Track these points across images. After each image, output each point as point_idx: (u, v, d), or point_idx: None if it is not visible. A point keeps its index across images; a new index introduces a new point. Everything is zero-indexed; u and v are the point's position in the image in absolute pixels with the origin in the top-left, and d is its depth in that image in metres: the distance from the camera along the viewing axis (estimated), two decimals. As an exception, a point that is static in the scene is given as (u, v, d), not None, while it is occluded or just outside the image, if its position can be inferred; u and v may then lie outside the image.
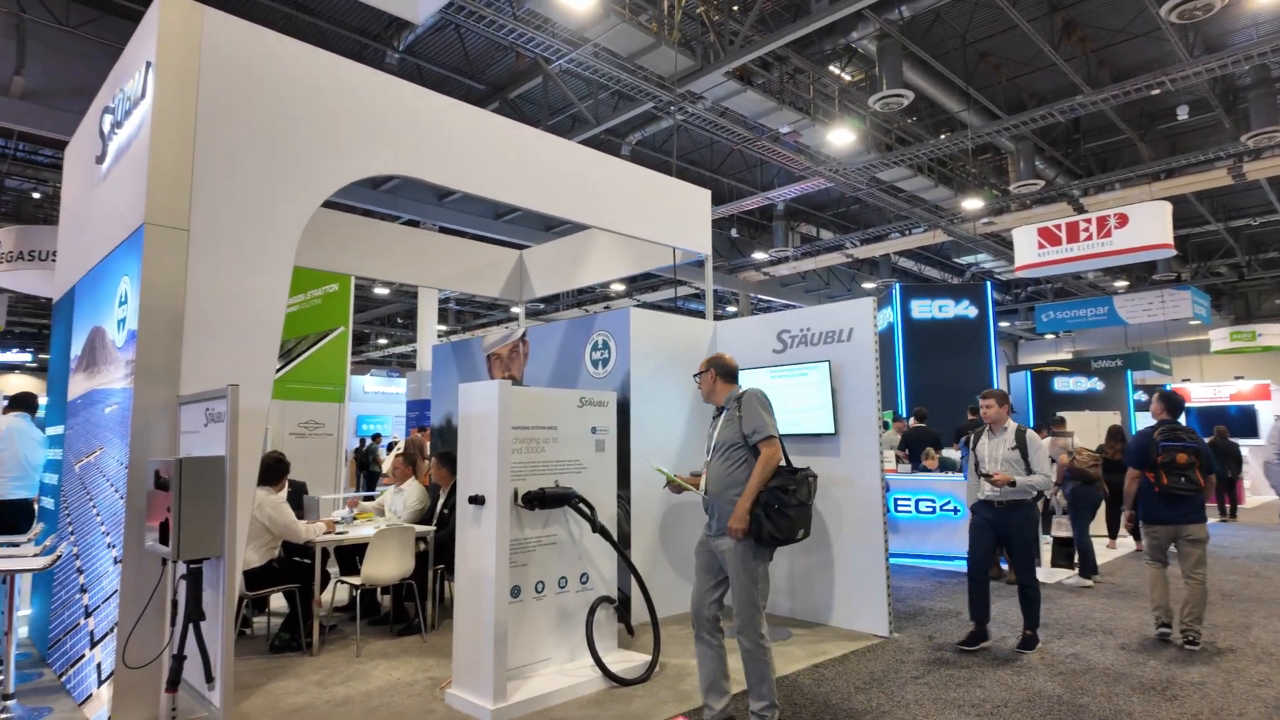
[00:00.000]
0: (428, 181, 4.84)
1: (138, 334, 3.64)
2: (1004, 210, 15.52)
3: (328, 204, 13.06)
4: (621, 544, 5.69)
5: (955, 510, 8.40)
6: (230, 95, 3.98)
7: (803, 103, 11.42)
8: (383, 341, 31.26)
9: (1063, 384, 12.93)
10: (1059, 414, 8.03)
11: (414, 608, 5.50)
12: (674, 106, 10.68)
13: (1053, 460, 6.92)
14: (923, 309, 12.36)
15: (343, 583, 5.37)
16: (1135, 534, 9.44)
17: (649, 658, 4.50)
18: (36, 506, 5.39)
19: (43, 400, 6.66)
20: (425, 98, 4.95)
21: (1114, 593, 6.91)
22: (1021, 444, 4.93)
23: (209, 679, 3.08)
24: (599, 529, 4.38)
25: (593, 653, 4.26)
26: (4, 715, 3.66)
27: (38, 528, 5.23)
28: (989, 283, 12.59)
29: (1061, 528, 8.04)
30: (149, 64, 3.82)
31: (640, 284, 21.89)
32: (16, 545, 4.84)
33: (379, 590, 5.81)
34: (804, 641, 5.26)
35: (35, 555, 4.19)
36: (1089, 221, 12.59)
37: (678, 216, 6.75)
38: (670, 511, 6.13)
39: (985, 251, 18.33)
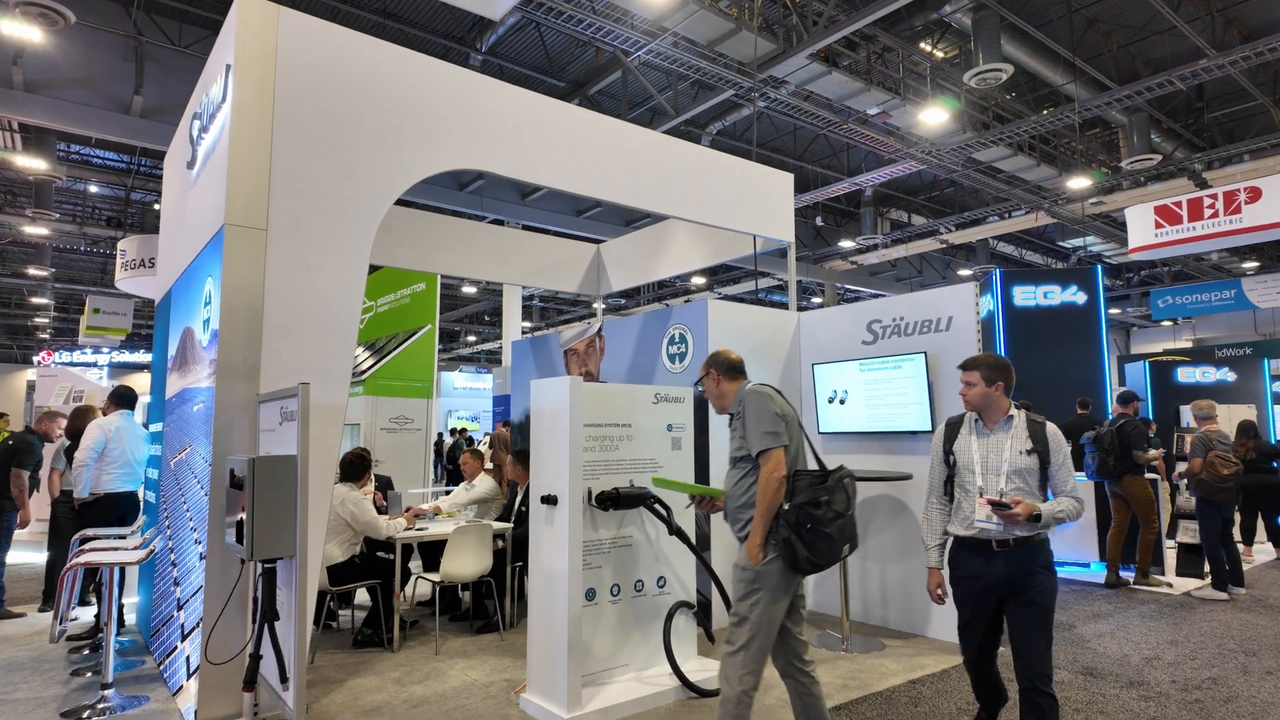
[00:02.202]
0: (500, 175, 4.76)
1: (219, 333, 3.70)
2: (1115, 189, 14.40)
3: (414, 205, 13.39)
4: (700, 546, 5.50)
5: (1065, 512, 7.78)
6: (306, 94, 4.00)
7: (892, 82, 10.88)
8: (471, 338, 32.05)
9: (1187, 374, 11.83)
10: (1202, 401, 7.15)
11: (493, 605, 5.47)
12: (755, 93, 10.36)
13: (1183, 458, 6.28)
14: (1026, 295, 11.55)
15: (423, 579, 5.39)
16: (1276, 540, 8.54)
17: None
18: (141, 500, 5.65)
19: (145, 398, 7.02)
20: (498, 90, 4.87)
21: (1254, 607, 6.21)
22: (1042, 444, 3.03)
23: (283, 679, 3.07)
24: (675, 530, 4.20)
25: (670, 660, 4.09)
26: (102, 704, 3.79)
27: (141, 520, 5.48)
28: (1099, 267, 11.65)
29: (1188, 533, 7.32)
30: (228, 67, 3.88)
31: (721, 277, 21.56)
32: (123, 538, 5.07)
33: (459, 587, 5.82)
34: (899, 654, 4.93)
35: (134, 549, 4.36)
36: (1214, 197, 11.46)
37: (758, 203, 6.47)
38: (753, 511, 5.87)
39: (1093, 234, 17.09)
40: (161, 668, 4.43)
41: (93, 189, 16.69)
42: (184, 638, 3.92)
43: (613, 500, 4.00)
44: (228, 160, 3.72)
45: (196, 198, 4.59)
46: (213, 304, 3.85)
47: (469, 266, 8.18)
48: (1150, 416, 11.40)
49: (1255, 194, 11.06)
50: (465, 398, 23.44)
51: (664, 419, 4.44)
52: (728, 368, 3.39)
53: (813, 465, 3.14)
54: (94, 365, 24.08)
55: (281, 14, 3.92)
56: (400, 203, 12.53)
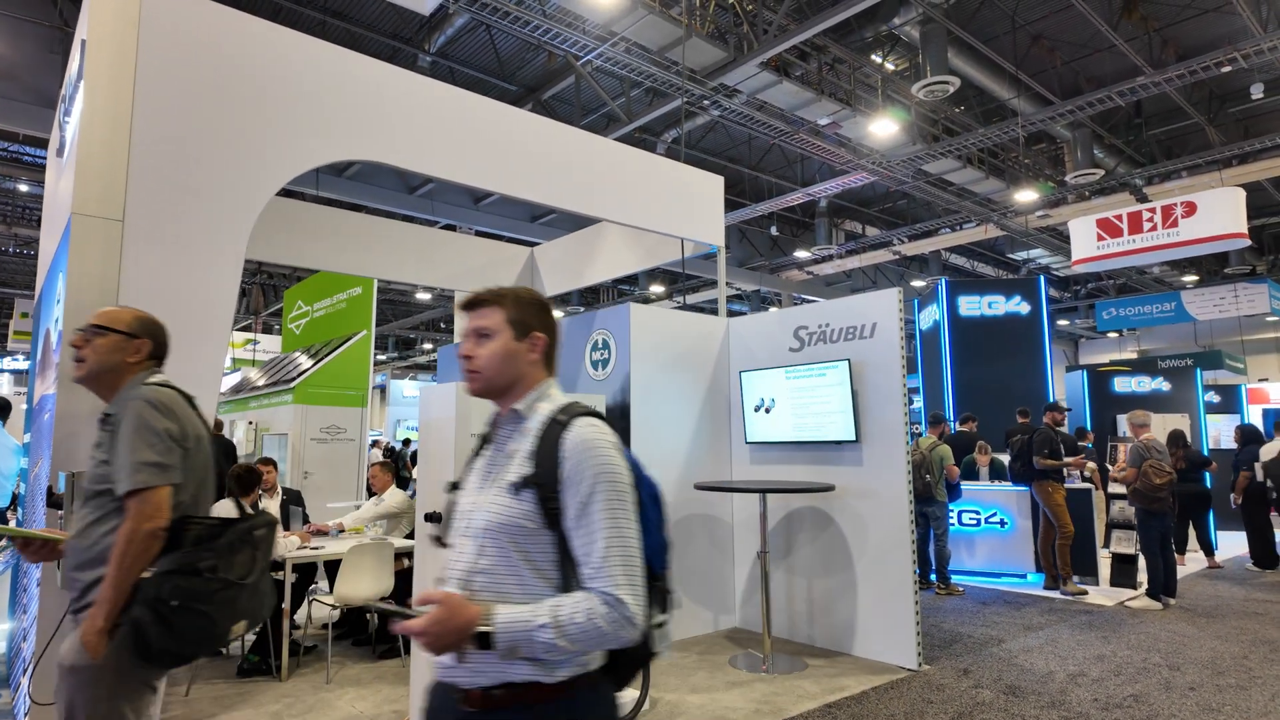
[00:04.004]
0: (396, 167, 4.48)
1: (63, 334, 3.36)
2: (1061, 202, 14.59)
3: (361, 208, 12.97)
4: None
5: (1002, 523, 7.70)
6: (173, 72, 3.68)
7: (843, 93, 10.86)
8: (427, 346, 31.46)
9: (1124, 384, 11.95)
10: (1137, 411, 7.16)
11: (399, 627, 5.14)
12: (708, 100, 10.24)
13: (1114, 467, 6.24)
14: (971, 305, 11.57)
15: (317, 602, 5.04)
16: (1206, 549, 8.59)
17: (637, 694, 4.03)
18: (12, 517, 5.22)
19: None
20: (397, 77, 4.59)
21: (1183, 618, 6.14)
22: (548, 468, 1.41)
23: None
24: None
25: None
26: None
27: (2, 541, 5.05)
28: (1042, 277, 11.72)
29: (1122, 543, 7.28)
30: (84, 41, 3.55)
31: (681, 285, 21.41)
32: (-14, 557, 4.65)
33: (365, 609, 5.48)
34: (820, 675, 4.72)
35: (-16, 570, 3.96)
36: (1153, 211, 11.64)
37: (687, 205, 6.28)
38: (678, 524, 5.64)
39: (1041, 246, 17.34)
40: (13, 705, 4.03)
41: (22, 188, 15.95)
42: (24, 672, 3.54)
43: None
44: (78, 142, 3.39)
45: (63, 187, 4.23)
46: (61, 302, 3.50)
47: (399, 269, 7.87)
48: (1088, 426, 11.46)
49: (1191, 209, 11.25)
50: (416, 407, 22.95)
51: (570, 429, 4.18)
52: (140, 328, 2.25)
53: (228, 511, 2.21)
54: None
55: (143, -14, 3.61)
56: (342, 204, 12.16)
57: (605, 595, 1.30)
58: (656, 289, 21.64)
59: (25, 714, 3.33)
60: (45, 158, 14.05)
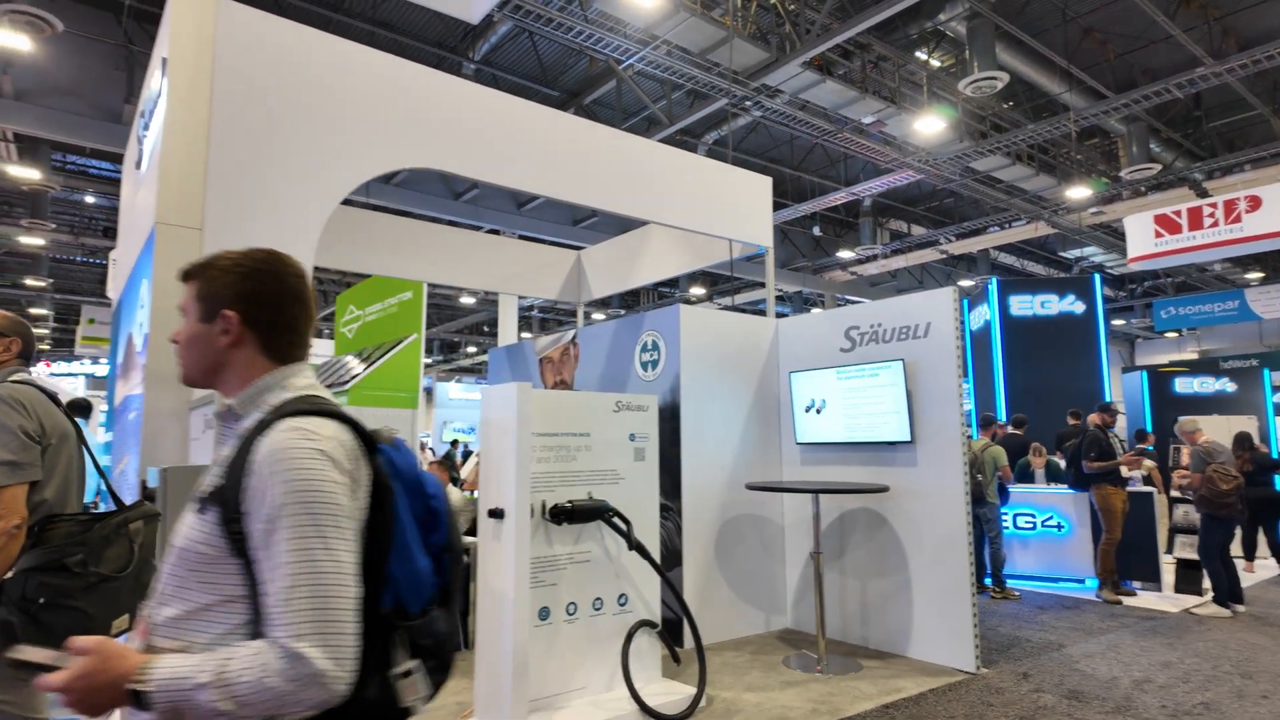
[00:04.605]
0: (458, 175, 4.61)
1: (149, 336, 3.54)
2: (1115, 198, 14.21)
3: (407, 214, 13.28)
4: (671, 561, 5.30)
5: (1059, 527, 7.55)
6: (246, 88, 3.86)
7: (887, 91, 10.77)
8: (471, 349, 31.93)
9: (1185, 385, 11.58)
10: (1185, 419, 7.05)
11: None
12: (750, 101, 10.25)
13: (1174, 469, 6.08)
14: (1023, 305, 11.35)
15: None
16: (1278, 555, 8.28)
17: (694, 690, 4.07)
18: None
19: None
20: (452, 86, 4.73)
21: (1254, 625, 5.95)
22: (234, 482, 1.14)
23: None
24: (635, 545, 3.99)
25: (628, 684, 3.88)
26: None
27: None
28: (1097, 276, 11.43)
29: (1186, 548, 7.06)
30: (164, 60, 3.74)
31: (722, 287, 21.39)
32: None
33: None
34: (876, 675, 4.70)
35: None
36: (1214, 206, 11.26)
37: (735, 207, 6.30)
38: (728, 525, 5.67)
39: (1094, 244, 16.88)
40: None
41: (89, 199, 16.67)
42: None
43: (566, 514, 3.81)
44: (160, 156, 3.58)
45: (142, 199, 4.45)
46: (146, 307, 3.70)
47: (450, 273, 8.06)
48: (1148, 427, 11.14)
49: (1255, 203, 10.86)
50: (461, 409, 23.32)
51: (626, 428, 4.25)
52: (9, 327, 2.26)
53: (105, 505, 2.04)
54: (71, 375, 24.01)
55: (219, 5, 3.79)
56: (390, 210, 12.44)
57: (283, 648, 1.02)
58: (697, 291, 21.66)
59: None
60: (110, 170, 14.68)
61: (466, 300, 22.57)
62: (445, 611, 1.26)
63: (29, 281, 20.54)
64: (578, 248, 10.11)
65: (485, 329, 28.75)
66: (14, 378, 2.17)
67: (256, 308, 1.24)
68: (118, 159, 14.04)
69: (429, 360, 31.39)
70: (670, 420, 5.43)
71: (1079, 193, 13.29)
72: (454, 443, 17.04)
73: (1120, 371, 14.29)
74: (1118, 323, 24.62)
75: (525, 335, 25.22)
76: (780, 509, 6.00)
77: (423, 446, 16.86)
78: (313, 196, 3.99)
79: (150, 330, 3.57)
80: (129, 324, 4.45)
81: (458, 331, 28.76)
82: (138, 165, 4.70)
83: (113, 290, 13.05)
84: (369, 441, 1.20)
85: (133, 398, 3.99)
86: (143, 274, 3.92)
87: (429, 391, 29.20)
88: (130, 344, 4.23)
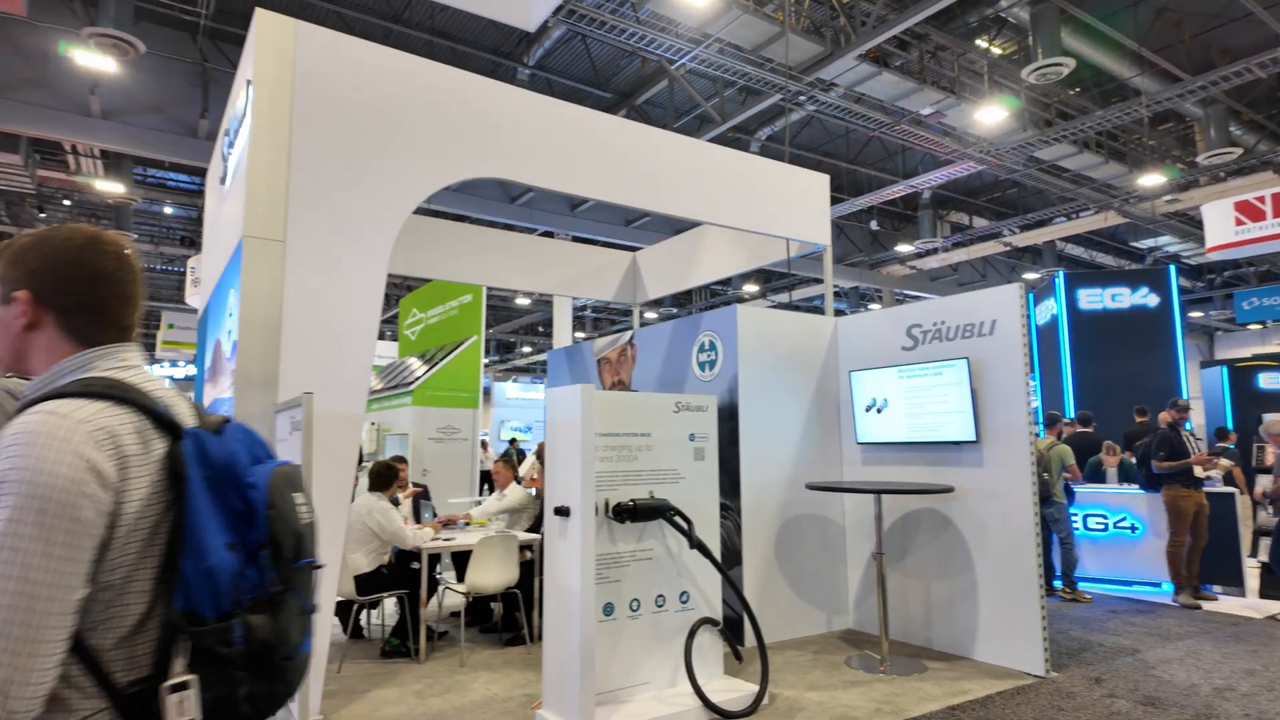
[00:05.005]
0: (520, 183, 4.73)
1: (238, 344, 3.76)
2: (1192, 185, 13.60)
3: (465, 218, 13.59)
4: (731, 560, 5.34)
5: (1132, 529, 7.31)
6: (323, 106, 4.05)
7: (946, 81, 10.55)
8: (526, 349, 32.42)
9: (1271, 380, 11.01)
10: (1273, 420, 6.72)
11: (521, 617, 5.41)
12: (804, 96, 10.17)
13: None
14: (1092, 298, 10.99)
15: (450, 590, 5.37)
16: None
17: (756, 688, 4.11)
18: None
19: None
20: (516, 97, 4.85)
21: (1346, 635, 5.67)
22: None
23: (287, 690, 3.06)
24: (696, 544, 4.05)
25: (691, 680, 3.94)
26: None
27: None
28: (1172, 266, 10.97)
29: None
30: (249, 82, 3.96)
31: (774, 284, 21.24)
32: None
33: (490, 598, 5.78)
34: (940, 677, 4.65)
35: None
36: (1302, 191, 10.69)
37: (792, 205, 6.29)
38: (788, 524, 5.68)
39: (1169, 233, 16.19)
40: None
41: (168, 210, 17.54)
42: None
43: (629, 512, 3.89)
44: (246, 173, 3.79)
45: (227, 212, 4.71)
46: (234, 315, 3.92)
47: (511, 277, 8.23)
48: (1229, 425, 10.65)
49: (1348, 186, 10.26)
50: (518, 408, 23.73)
51: (685, 428, 4.31)
52: None
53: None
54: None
55: (299, 27, 3.98)
56: (448, 215, 12.75)
57: None
58: (750, 288, 21.53)
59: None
60: (187, 182, 15.41)
61: (522, 301, 22.93)
62: (269, 617, 1.07)
63: (114, 289, 21.66)
64: (631, 248, 10.20)
65: (540, 329, 29.16)
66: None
67: (52, 288, 1.11)
68: (194, 171, 14.75)
69: (486, 360, 32.00)
70: (728, 420, 5.47)
71: (1152, 180, 12.77)
72: (511, 441, 17.36)
73: (1199, 366, 13.66)
74: (1195, 315, 23.52)
75: (579, 335, 25.50)
76: (841, 509, 5.98)
77: (484, 445, 17.23)
78: (386, 207, 4.17)
79: (238, 337, 3.78)
80: (216, 330, 4.71)
81: (513, 332, 29.24)
82: (222, 181, 4.97)
83: (194, 298, 13.70)
84: (169, 426, 1.07)
85: (221, 400, 4.23)
86: (230, 284, 4.16)
87: (487, 391, 29.81)
88: (219, 350, 4.48)
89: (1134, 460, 7.64)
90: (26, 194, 15.09)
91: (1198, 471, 6.67)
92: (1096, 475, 7.93)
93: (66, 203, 16.19)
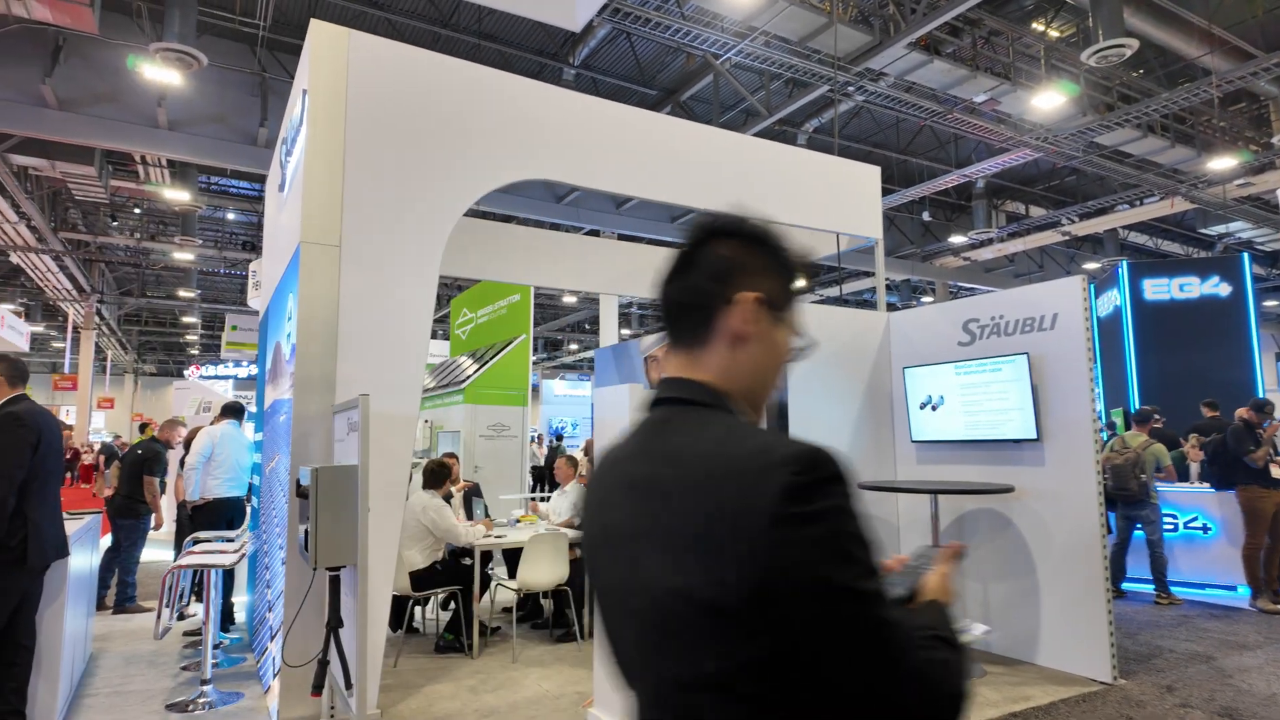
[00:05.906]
0: (570, 184, 4.75)
1: (296, 346, 3.86)
2: (1267, 167, 12.93)
3: (512, 219, 13.77)
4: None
5: (1205, 529, 7.00)
6: (375, 113, 4.12)
7: (1001, 67, 10.23)
8: (573, 346, 32.66)
9: (1356, 375, 10.42)
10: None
11: (572, 614, 5.45)
12: (852, 87, 10.00)
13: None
14: (1158, 289, 10.54)
15: (502, 586, 5.43)
16: None
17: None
18: (248, 506, 6.01)
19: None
20: (563, 98, 4.87)
21: None
22: None
23: (348, 685, 3.14)
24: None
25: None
26: (202, 699, 4.02)
27: (246, 524, 5.83)
28: (1245, 254, 10.45)
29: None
30: (304, 91, 4.06)
31: (824, 278, 20.92)
32: (229, 540, 5.40)
33: (541, 594, 5.84)
34: (1000, 682, 4.53)
35: (234, 552, 4.61)
36: (1390, 171, 10.07)
37: (842, 199, 6.18)
38: (841, 524, 5.58)
39: (1242, 218, 15.41)
40: (259, 666, 4.67)
41: (230, 216, 18.17)
42: (271, 639, 4.11)
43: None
44: (303, 180, 3.88)
45: (285, 218, 4.84)
46: (293, 319, 4.03)
47: (558, 277, 8.29)
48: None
49: None
50: (566, 405, 23.95)
51: (736, 427, 4.27)
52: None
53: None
54: (219, 379, 26.37)
55: (351, 36, 4.07)
56: (495, 216, 12.90)
57: None
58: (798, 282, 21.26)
59: (275, 674, 3.85)
60: (248, 188, 15.92)
61: (568, 300, 23.10)
62: None
63: (181, 293, 22.59)
64: (676, 245, 10.17)
65: (586, 326, 29.33)
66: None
67: None
68: (254, 178, 15.24)
69: (534, 358, 32.32)
70: (777, 418, 5.40)
71: (1223, 163, 12.18)
72: (558, 436, 17.52)
73: (1275, 359, 13.01)
74: (1271, 304, 22.39)
75: (625, 332, 25.55)
76: (895, 508, 5.86)
77: (536, 440, 17.44)
78: (438, 211, 4.24)
79: (297, 340, 3.89)
80: (276, 333, 4.86)
81: (560, 330, 29.48)
82: (280, 188, 5.11)
83: (255, 300, 14.18)
84: None
85: (281, 402, 4.36)
86: (289, 288, 4.28)
87: (535, 389, 30.10)
88: (279, 352, 4.62)
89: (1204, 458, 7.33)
90: (100, 203, 15.79)
91: (1275, 471, 6.36)
92: (1180, 472, 7.58)
93: (137, 211, 16.89)
